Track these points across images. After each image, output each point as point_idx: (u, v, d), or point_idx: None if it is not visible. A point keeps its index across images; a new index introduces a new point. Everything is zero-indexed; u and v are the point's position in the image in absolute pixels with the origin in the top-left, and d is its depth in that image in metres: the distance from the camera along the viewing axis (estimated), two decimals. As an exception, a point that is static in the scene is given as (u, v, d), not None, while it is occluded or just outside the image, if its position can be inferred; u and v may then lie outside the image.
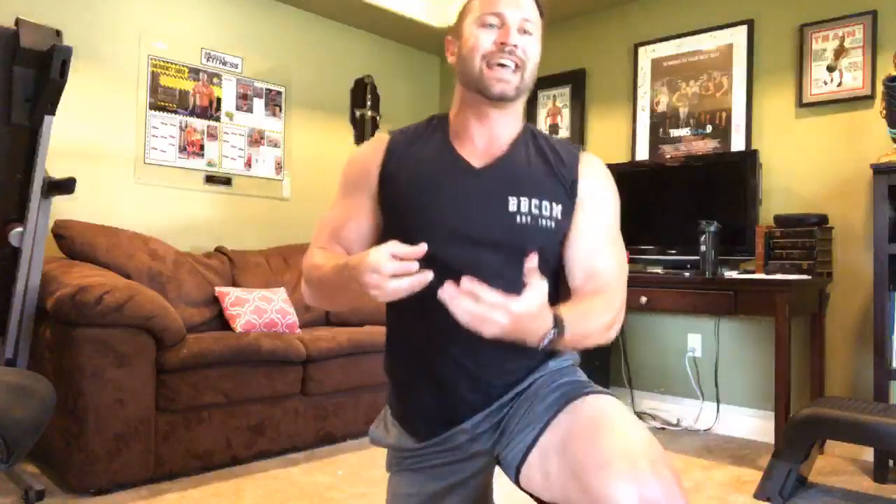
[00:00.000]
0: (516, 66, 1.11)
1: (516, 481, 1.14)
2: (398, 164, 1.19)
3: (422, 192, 1.14)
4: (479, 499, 1.23)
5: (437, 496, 1.19)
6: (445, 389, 1.14)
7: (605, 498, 0.85)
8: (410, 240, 0.96)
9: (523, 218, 1.11)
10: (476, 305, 0.83)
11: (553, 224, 1.13)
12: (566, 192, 1.15)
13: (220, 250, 3.24)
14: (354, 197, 1.23)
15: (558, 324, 0.93)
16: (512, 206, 1.11)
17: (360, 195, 1.22)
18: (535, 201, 1.12)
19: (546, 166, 1.17)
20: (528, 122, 1.24)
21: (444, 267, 1.00)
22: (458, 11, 1.20)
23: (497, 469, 1.23)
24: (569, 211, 1.15)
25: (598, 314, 1.06)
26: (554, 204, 1.14)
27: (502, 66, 1.10)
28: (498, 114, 1.16)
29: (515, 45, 1.10)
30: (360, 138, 4.08)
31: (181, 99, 3.30)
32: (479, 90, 1.12)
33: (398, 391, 1.27)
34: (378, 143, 1.23)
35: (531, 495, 1.14)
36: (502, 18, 1.11)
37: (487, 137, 1.17)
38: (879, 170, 2.48)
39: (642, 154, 3.50)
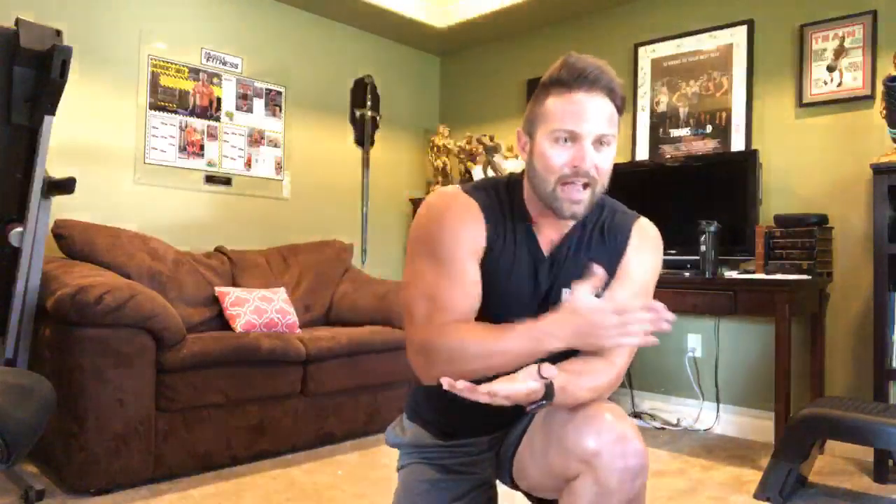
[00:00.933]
0: (587, 184, 1.11)
1: (509, 475, 1.27)
2: (496, 237, 1.18)
3: (506, 274, 1.18)
4: (485, 494, 1.30)
5: (447, 486, 1.27)
6: (490, 412, 1.13)
7: (576, 446, 1.03)
8: (483, 317, 1.14)
9: None
10: (470, 393, 0.98)
11: None
12: (613, 272, 1.20)
13: (220, 250, 3.24)
14: (468, 262, 1.16)
15: (548, 395, 1.02)
16: (566, 297, 1.18)
17: (471, 261, 1.16)
18: None
19: (602, 244, 1.21)
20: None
21: None
22: (530, 104, 1.17)
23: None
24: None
25: (590, 380, 1.09)
26: (602, 290, 1.19)
27: (574, 184, 1.10)
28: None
29: (589, 168, 1.10)
30: (360, 138, 4.08)
31: (181, 99, 3.30)
32: (552, 209, 1.14)
33: (436, 404, 1.30)
34: (473, 210, 1.18)
35: (522, 490, 1.28)
36: (577, 136, 1.09)
37: (555, 225, 1.20)
38: (879, 170, 2.48)
39: (642, 154, 3.50)
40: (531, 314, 1.17)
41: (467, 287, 1.14)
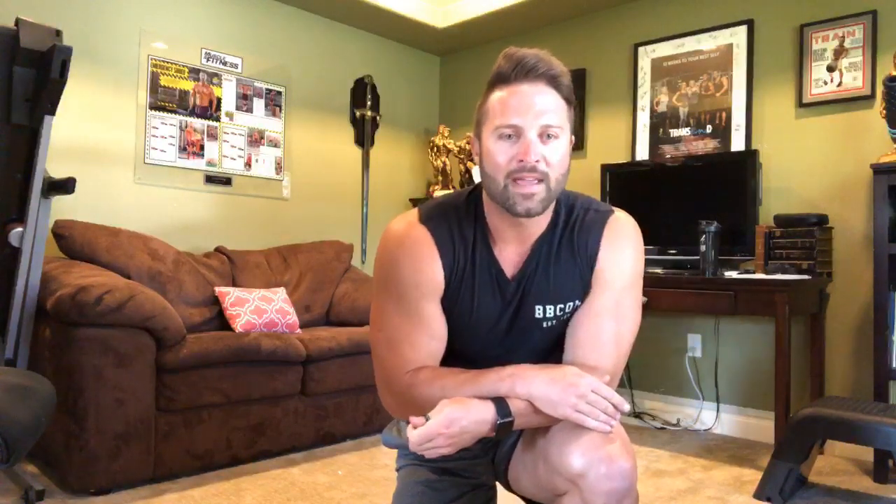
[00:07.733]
0: (539, 179, 1.04)
1: (505, 480, 1.27)
2: (454, 268, 1.14)
3: (467, 300, 1.15)
4: (483, 495, 1.29)
5: (443, 487, 1.26)
6: None
7: (561, 465, 1.02)
8: (452, 340, 1.16)
9: (548, 322, 1.16)
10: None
11: (573, 314, 1.18)
12: (587, 282, 1.16)
13: (220, 250, 3.24)
14: (429, 304, 1.14)
15: (503, 413, 1.03)
16: (538, 314, 1.15)
17: (432, 302, 1.14)
18: (559, 306, 1.16)
19: (571, 257, 1.15)
20: (563, 194, 1.17)
21: (485, 363, 1.12)
22: (476, 108, 1.13)
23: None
24: (587, 294, 1.17)
25: None
26: (577, 301, 1.16)
27: (525, 179, 1.04)
28: (529, 220, 1.11)
29: (537, 161, 1.03)
30: (360, 138, 4.08)
31: (181, 99, 3.30)
32: (506, 208, 1.07)
33: None
34: (427, 247, 1.13)
35: (519, 495, 1.27)
36: (519, 130, 1.04)
37: (520, 238, 1.14)
38: (879, 170, 2.48)
39: (642, 154, 3.50)
40: (501, 337, 1.18)
41: (432, 331, 1.14)
